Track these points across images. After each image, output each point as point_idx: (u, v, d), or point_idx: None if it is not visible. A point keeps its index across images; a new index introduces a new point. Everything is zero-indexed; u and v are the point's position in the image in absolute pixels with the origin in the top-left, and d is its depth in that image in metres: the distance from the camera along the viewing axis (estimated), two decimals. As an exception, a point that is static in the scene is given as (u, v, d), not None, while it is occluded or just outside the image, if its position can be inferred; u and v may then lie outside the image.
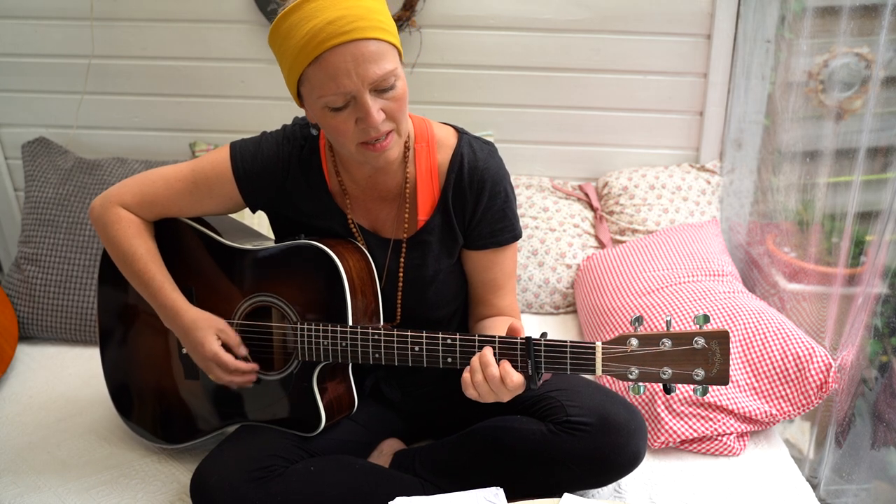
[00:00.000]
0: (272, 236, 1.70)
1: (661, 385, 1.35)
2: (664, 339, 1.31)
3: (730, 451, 1.77)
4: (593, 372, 1.35)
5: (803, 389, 1.76)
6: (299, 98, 1.44)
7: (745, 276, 2.31)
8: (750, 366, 1.80)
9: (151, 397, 1.75)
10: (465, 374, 1.39)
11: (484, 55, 2.44)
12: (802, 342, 1.79)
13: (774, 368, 1.78)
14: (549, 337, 1.39)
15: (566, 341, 1.36)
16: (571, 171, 2.58)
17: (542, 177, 2.53)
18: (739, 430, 1.77)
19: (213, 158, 1.58)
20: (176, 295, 1.57)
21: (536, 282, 2.37)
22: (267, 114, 2.45)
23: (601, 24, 2.39)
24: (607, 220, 2.46)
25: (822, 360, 1.76)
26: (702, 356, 1.30)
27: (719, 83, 2.41)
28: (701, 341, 1.30)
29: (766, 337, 1.81)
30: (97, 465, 1.76)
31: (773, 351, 1.79)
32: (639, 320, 1.32)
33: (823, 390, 1.75)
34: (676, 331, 1.32)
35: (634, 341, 1.33)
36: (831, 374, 1.75)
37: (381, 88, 1.36)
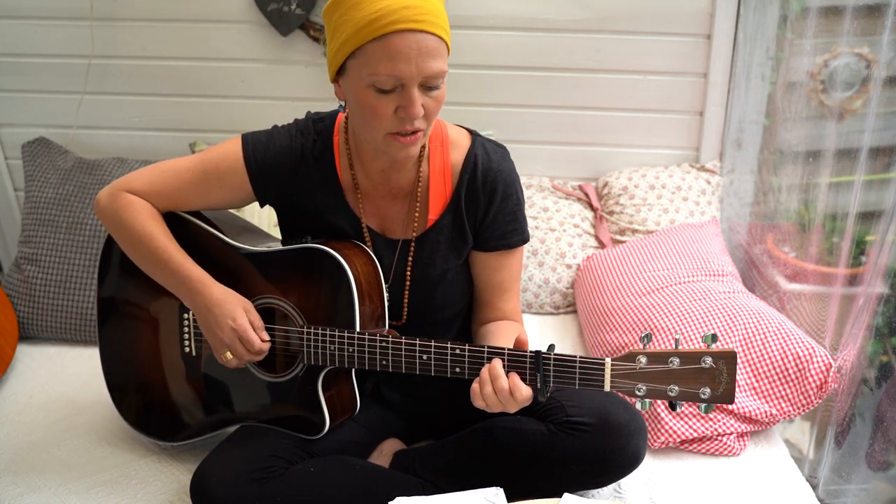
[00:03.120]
0: (278, 235, 1.70)
1: (666, 401, 1.36)
2: (672, 358, 1.32)
3: (730, 451, 1.77)
4: (602, 387, 1.36)
5: (803, 389, 1.76)
6: (338, 72, 1.42)
7: (745, 276, 2.31)
8: (750, 366, 1.80)
9: (152, 396, 1.74)
10: (475, 385, 1.39)
11: (484, 55, 2.44)
12: (802, 342, 1.79)
13: (774, 368, 1.78)
14: (554, 345, 1.39)
15: (576, 357, 1.36)
16: (571, 171, 2.57)
17: (542, 177, 2.53)
18: (739, 430, 1.77)
19: (224, 149, 1.57)
20: (199, 270, 1.53)
21: (536, 282, 2.37)
22: (267, 114, 2.43)
23: (601, 24, 2.39)
24: (607, 220, 2.46)
25: (822, 361, 1.76)
26: (709, 375, 1.31)
27: (719, 83, 2.41)
28: (709, 361, 1.31)
29: (766, 337, 1.81)
30: (97, 465, 1.76)
31: (773, 351, 1.79)
32: (648, 337, 1.34)
33: (823, 390, 1.75)
34: (685, 349, 1.33)
35: (643, 359, 1.33)
36: (831, 374, 1.75)
37: (428, 86, 1.37)
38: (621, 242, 2.38)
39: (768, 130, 2.34)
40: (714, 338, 1.31)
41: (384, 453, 1.70)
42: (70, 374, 2.13)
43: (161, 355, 1.71)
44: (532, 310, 2.39)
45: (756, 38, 2.29)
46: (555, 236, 2.40)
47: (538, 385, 1.37)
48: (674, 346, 1.34)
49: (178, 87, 2.54)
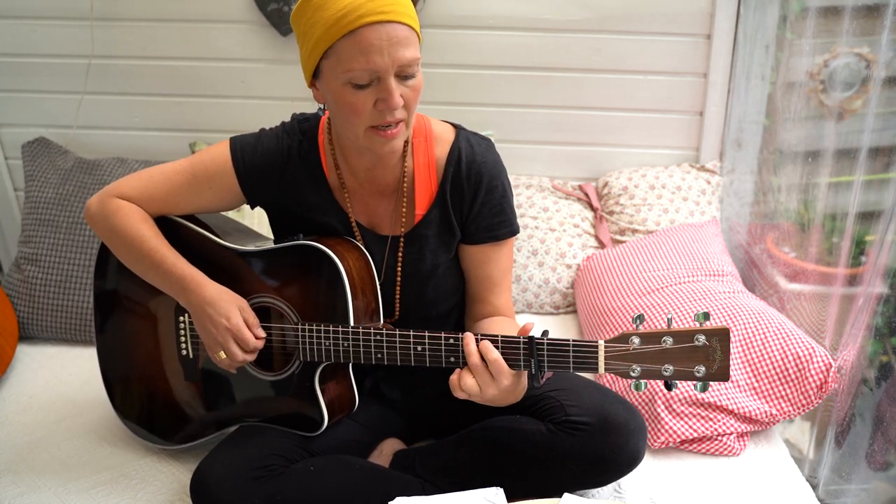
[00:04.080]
0: (272, 237, 1.70)
1: (662, 381, 1.36)
2: (665, 337, 1.32)
3: (730, 451, 1.77)
4: (596, 370, 1.35)
5: (803, 389, 1.76)
6: (313, 76, 1.43)
7: (745, 276, 2.31)
8: (750, 366, 1.80)
9: (150, 399, 1.74)
10: (453, 378, 1.39)
11: (484, 55, 2.44)
12: (802, 342, 1.79)
13: (774, 368, 1.78)
14: (547, 331, 1.39)
15: (568, 340, 1.36)
16: (571, 171, 2.58)
17: (542, 177, 2.53)
18: (739, 430, 1.77)
19: (213, 152, 1.58)
20: (193, 269, 1.53)
21: (536, 282, 2.37)
22: (267, 114, 2.43)
23: (601, 24, 2.39)
24: (607, 220, 2.46)
25: (822, 360, 1.76)
26: (703, 353, 1.31)
27: (719, 83, 2.41)
28: (702, 338, 1.30)
29: (766, 337, 1.81)
30: (97, 465, 1.76)
31: (773, 351, 1.79)
32: (640, 318, 1.33)
33: (823, 390, 1.75)
34: (677, 328, 1.32)
35: (636, 339, 1.33)
36: (831, 374, 1.75)
37: (404, 75, 1.38)
38: (621, 242, 2.38)
39: (768, 130, 2.34)
40: (706, 316, 1.30)
41: (384, 453, 1.70)
42: (70, 374, 2.13)
43: (158, 358, 1.71)
44: (532, 310, 2.39)
45: (756, 38, 2.29)
46: (555, 236, 2.40)
47: (532, 370, 1.37)
48: (667, 325, 1.34)
49: (178, 87, 2.54)
